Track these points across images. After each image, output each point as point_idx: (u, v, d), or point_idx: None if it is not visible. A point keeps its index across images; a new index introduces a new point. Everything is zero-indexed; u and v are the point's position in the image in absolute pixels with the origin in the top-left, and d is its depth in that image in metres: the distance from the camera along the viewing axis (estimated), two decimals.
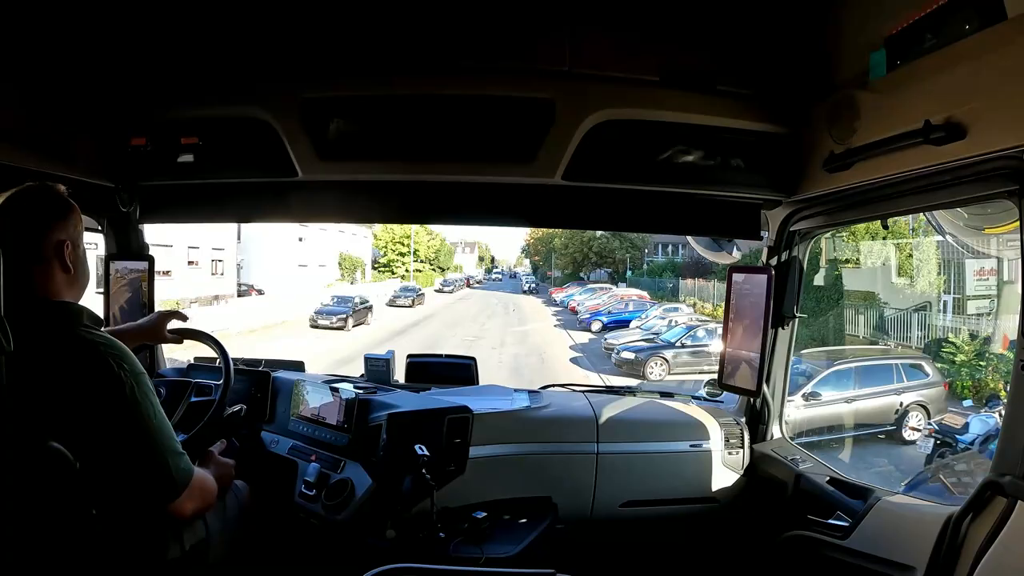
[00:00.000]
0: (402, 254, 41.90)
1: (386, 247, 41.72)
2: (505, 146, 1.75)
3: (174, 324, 1.72)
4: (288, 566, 1.85)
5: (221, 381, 1.74)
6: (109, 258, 2.22)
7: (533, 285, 43.87)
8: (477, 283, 52.91)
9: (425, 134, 1.75)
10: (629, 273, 35.09)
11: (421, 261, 44.12)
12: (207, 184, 1.97)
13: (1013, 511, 1.16)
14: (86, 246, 1.33)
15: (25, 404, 1.11)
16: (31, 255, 1.21)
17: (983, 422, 5.91)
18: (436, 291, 38.31)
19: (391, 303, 27.71)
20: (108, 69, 1.68)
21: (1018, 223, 1.23)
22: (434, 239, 45.91)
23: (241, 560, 1.56)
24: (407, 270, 41.59)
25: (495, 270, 68.57)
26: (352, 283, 33.60)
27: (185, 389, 2.05)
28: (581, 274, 38.92)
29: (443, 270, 50.39)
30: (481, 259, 70.88)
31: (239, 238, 24.65)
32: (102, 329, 1.29)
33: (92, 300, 1.42)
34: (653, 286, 29.56)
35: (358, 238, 36.32)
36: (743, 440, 2.20)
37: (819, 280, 11.04)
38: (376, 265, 41.00)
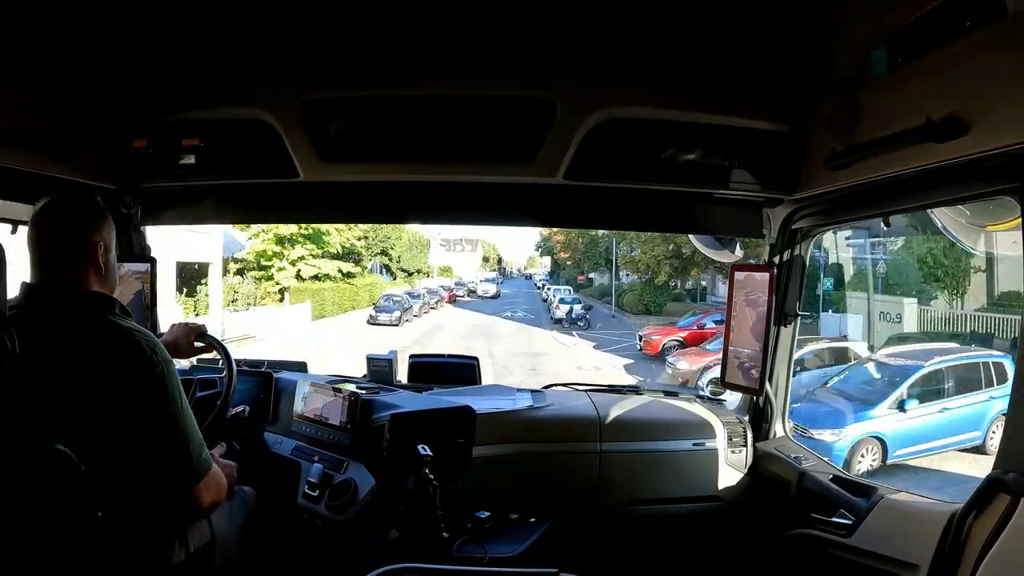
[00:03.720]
0: (281, 240, 21.24)
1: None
2: (506, 146, 1.75)
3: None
4: (292, 566, 1.85)
5: (224, 375, 1.75)
6: None
7: (579, 310, 21.96)
8: (470, 293, 35.63)
9: (426, 134, 1.75)
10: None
11: (332, 256, 23.27)
12: (209, 186, 1.98)
13: (1017, 508, 1.16)
14: None
15: (47, 390, 1.14)
16: (70, 254, 1.28)
17: None
18: (369, 323, 21.61)
19: None
20: (109, 71, 1.68)
21: (1020, 220, 1.23)
22: None
23: (246, 562, 1.57)
24: (320, 275, 22.11)
25: (485, 278, 43.21)
26: None
27: (189, 387, 2.06)
28: (674, 285, 23.61)
29: (410, 274, 32.13)
30: (486, 259, 60.05)
31: None
32: None
33: None
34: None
35: None
36: (746, 438, 2.20)
37: None
38: (242, 264, 21.59)
